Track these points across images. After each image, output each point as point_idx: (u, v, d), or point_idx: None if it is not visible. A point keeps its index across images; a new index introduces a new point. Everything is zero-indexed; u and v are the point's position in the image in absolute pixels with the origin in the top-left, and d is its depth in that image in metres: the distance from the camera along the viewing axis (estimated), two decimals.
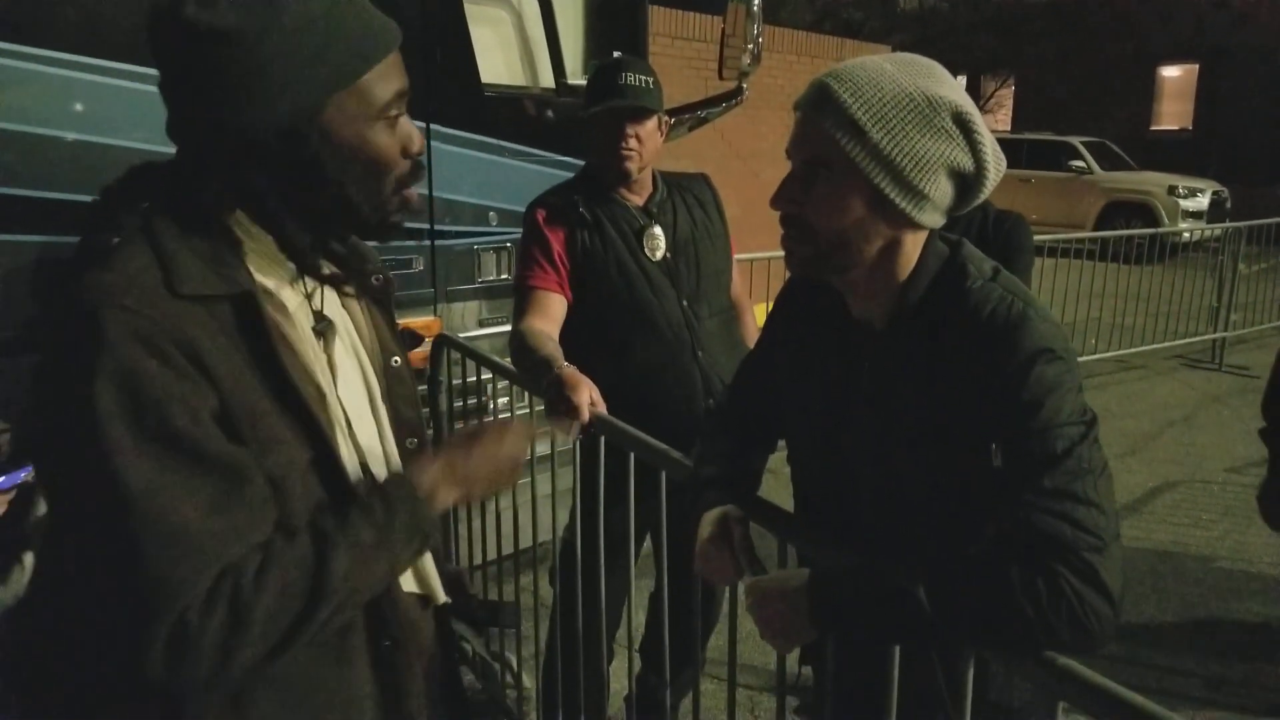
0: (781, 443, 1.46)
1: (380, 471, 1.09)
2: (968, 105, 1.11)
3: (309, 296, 1.05)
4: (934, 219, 1.14)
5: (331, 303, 1.09)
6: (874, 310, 1.21)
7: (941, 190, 1.11)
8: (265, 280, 1.00)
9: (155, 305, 0.88)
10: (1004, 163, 1.14)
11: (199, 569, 0.87)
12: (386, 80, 0.99)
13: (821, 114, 1.10)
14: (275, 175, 0.97)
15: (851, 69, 1.12)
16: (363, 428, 1.07)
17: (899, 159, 1.08)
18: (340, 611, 0.95)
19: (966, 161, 1.11)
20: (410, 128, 1.04)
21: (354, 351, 1.10)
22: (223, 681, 0.89)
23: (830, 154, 1.10)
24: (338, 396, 1.04)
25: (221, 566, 0.88)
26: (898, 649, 1.21)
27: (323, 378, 1.02)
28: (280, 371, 0.95)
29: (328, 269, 1.08)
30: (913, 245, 1.17)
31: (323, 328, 1.05)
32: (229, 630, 0.87)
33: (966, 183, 1.12)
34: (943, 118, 1.09)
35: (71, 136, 2.33)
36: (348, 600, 0.96)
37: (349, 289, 1.07)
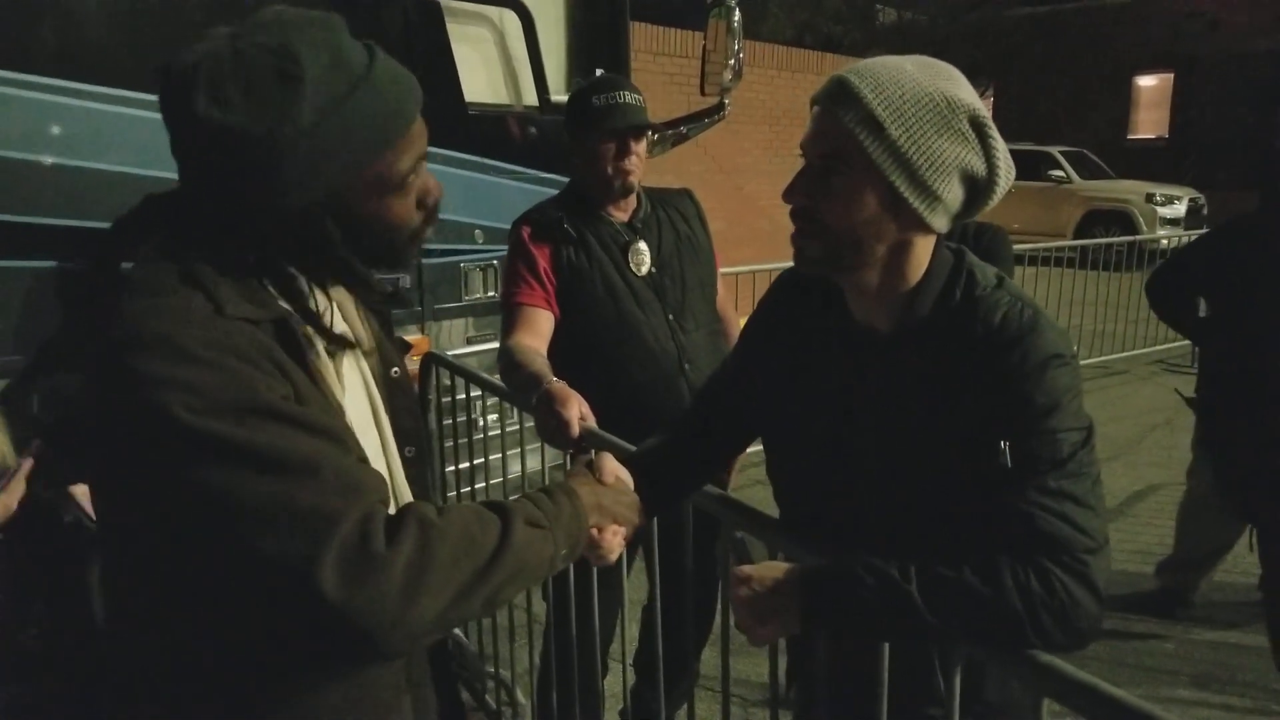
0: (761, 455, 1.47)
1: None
2: (984, 111, 1.11)
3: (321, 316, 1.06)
4: (943, 223, 1.14)
5: (339, 318, 1.10)
6: (879, 315, 1.21)
7: (953, 193, 1.11)
8: (287, 306, 1.00)
9: (217, 323, 0.89)
10: (1014, 172, 1.14)
11: (354, 496, 0.83)
12: (405, 154, 0.97)
13: (841, 109, 1.10)
14: (286, 251, 0.97)
15: (872, 66, 1.12)
16: (367, 440, 1.08)
17: (916, 158, 1.08)
18: (507, 584, 0.92)
19: (980, 166, 1.11)
20: (427, 180, 1.02)
21: (358, 365, 1.12)
22: (405, 627, 0.83)
23: (847, 149, 1.10)
24: (345, 410, 1.06)
25: (379, 498, 0.87)
26: (887, 648, 1.22)
27: (338, 393, 1.03)
28: (320, 391, 0.97)
29: (330, 302, 1.08)
30: (923, 249, 1.17)
31: (335, 349, 1.06)
32: (416, 563, 0.83)
33: (977, 188, 1.13)
34: (960, 120, 1.09)
35: (50, 160, 2.33)
36: (517, 573, 0.92)
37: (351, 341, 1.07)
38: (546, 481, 2.30)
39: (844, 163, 1.11)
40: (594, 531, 1.14)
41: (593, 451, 1.50)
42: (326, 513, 0.82)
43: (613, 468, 1.23)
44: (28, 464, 1.75)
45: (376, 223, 0.98)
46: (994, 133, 1.11)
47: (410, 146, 0.98)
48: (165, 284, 0.90)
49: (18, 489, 1.73)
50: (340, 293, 1.12)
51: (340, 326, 1.07)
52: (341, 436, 0.93)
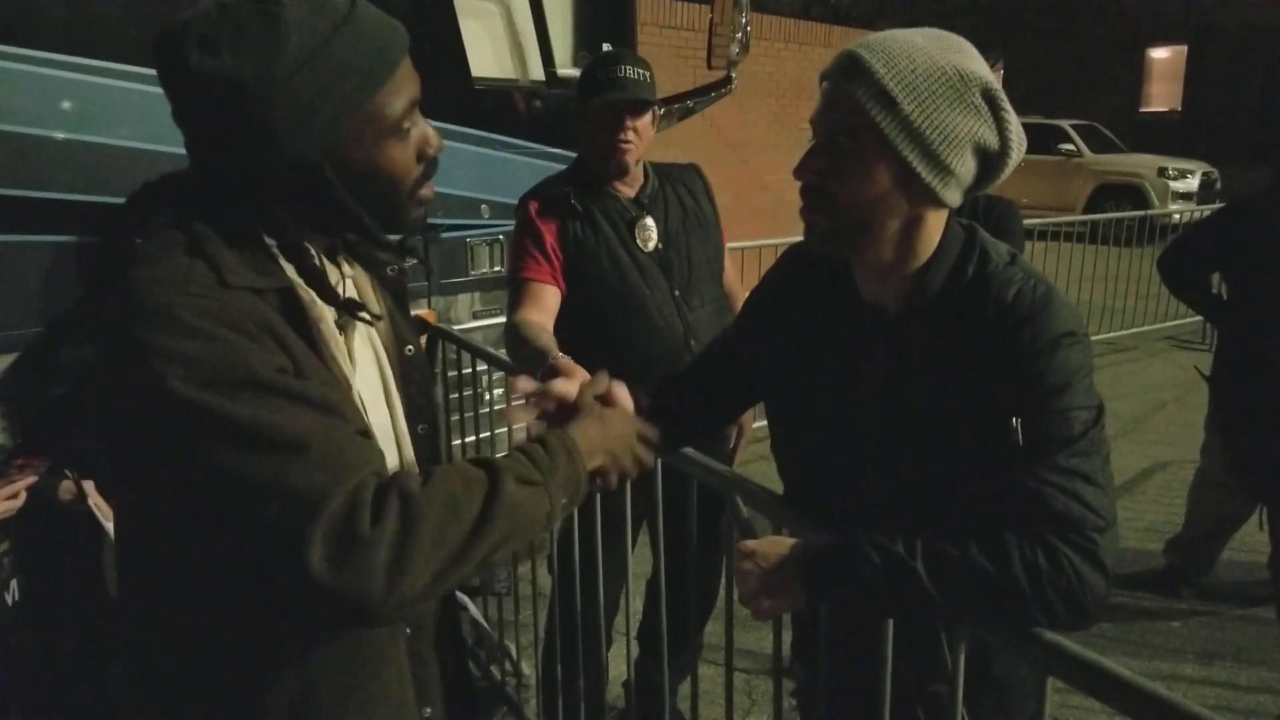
0: (764, 432, 1.46)
1: (391, 456, 1.10)
2: (996, 83, 1.10)
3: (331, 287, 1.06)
4: (955, 197, 1.13)
5: (351, 293, 1.10)
6: (888, 292, 1.20)
7: (966, 167, 1.10)
8: (294, 277, 1.00)
9: (217, 293, 0.89)
10: (1025, 144, 1.13)
11: (342, 473, 0.84)
12: (397, 95, 0.97)
13: (852, 83, 1.08)
14: (290, 204, 0.97)
15: (883, 40, 1.10)
16: (377, 416, 1.08)
17: (928, 132, 1.07)
18: (500, 546, 0.92)
19: (992, 139, 1.10)
20: (425, 129, 1.02)
21: (370, 341, 1.11)
22: (395, 598, 0.84)
23: (858, 124, 1.08)
24: (355, 386, 1.06)
25: (371, 472, 0.87)
26: (891, 625, 1.22)
27: (346, 368, 1.03)
28: (324, 363, 0.97)
29: (343, 277, 1.08)
30: (934, 225, 1.16)
31: (344, 321, 1.06)
32: (401, 540, 0.83)
33: (989, 161, 1.12)
34: (973, 93, 1.08)
35: (60, 136, 2.33)
36: (510, 534, 0.92)
37: (364, 310, 1.07)
38: None
39: (855, 138, 1.09)
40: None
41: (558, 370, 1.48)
42: (314, 491, 0.82)
43: (623, 397, 1.22)
44: (29, 479, 1.73)
45: (377, 172, 0.98)
46: (1006, 105, 1.10)
47: (401, 88, 0.98)
48: (169, 253, 0.91)
49: (16, 495, 1.71)
50: (355, 269, 1.12)
51: (351, 297, 1.07)
52: (339, 410, 0.92)
